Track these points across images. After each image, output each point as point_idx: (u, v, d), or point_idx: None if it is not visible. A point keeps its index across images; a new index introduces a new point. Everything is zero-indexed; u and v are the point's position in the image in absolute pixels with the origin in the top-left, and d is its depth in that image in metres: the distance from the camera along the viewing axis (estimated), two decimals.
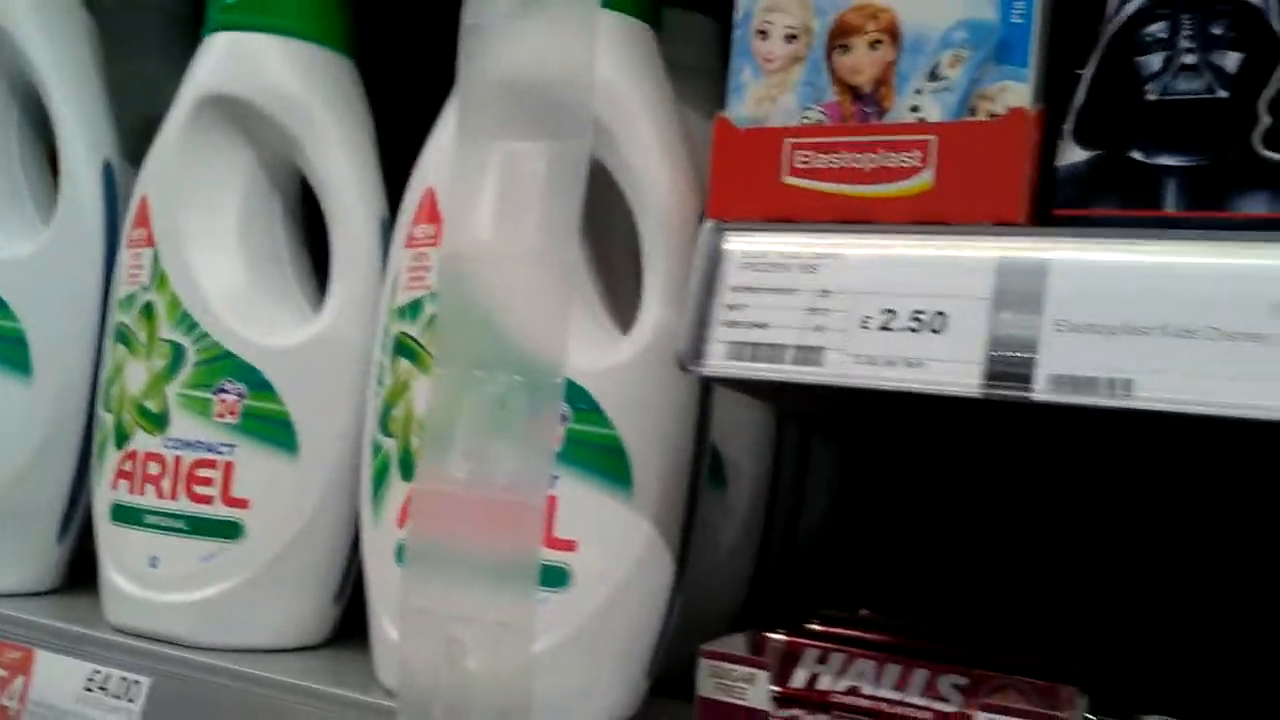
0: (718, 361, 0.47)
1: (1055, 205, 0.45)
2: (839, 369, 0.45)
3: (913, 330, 0.44)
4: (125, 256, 0.70)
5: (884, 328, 0.44)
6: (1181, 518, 0.72)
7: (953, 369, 0.43)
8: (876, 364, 0.44)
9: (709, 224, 0.49)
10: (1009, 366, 0.42)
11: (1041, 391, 0.41)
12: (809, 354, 0.45)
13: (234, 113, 0.68)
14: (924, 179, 0.46)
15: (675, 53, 0.61)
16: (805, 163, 0.48)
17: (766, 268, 0.47)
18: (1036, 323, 0.42)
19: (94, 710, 0.63)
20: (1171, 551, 0.73)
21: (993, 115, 0.45)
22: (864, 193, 0.47)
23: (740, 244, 0.48)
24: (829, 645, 0.54)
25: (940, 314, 0.44)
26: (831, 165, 0.48)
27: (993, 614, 0.68)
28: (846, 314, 0.45)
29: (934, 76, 0.46)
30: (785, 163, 0.49)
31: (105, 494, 0.69)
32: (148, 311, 0.68)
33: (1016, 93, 0.45)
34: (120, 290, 0.70)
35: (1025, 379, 0.42)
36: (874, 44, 0.47)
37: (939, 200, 0.46)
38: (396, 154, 0.68)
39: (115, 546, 0.68)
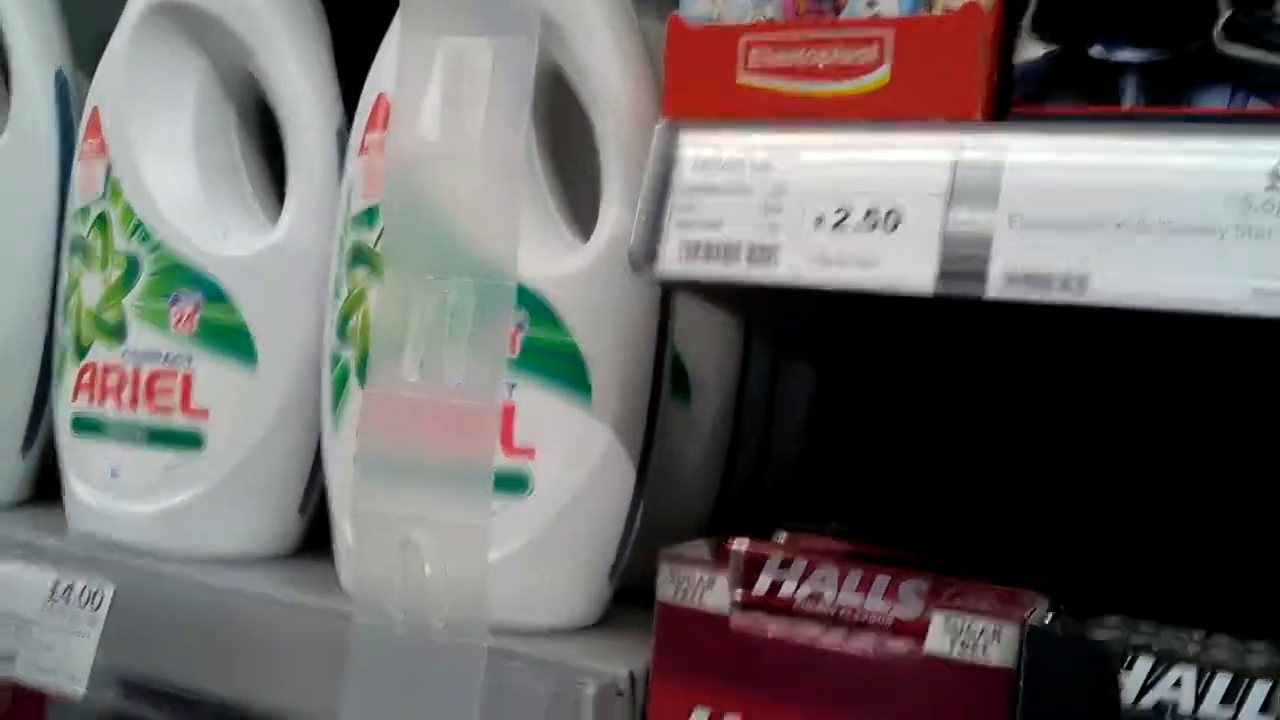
0: (671, 263, 0.46)
1: (1012, 102, 0.44)
2: (793, 269, 0.44)
3: (866, 229, 0.43)
4: (79, 168, 0.69)
5: (837, 226, 0.44)
6: (1145, 416, 0.72)
7: (906, 267, 0.42)
8: (830, 263, 0.43)
9: (661, 124, 0.48)
10: (963, 264, 0.42)
11: (996, 289, 0.41)
12: (763, 253, 0.45)
13: (185, 19, 0.67)
14: (879, 75, 0.45)
15: None
16: (759, 61, 0.47)
17: (720, 167, 0.46)
18: (991, 219, 0.42)
19: (58, 619, 0.63)
20: (1135, 451, 0.73)
21: (949, 10, 0.44)
22: (819, 90, 0.46)
23: (694, 143, 0.47)
24: (790, 553, 0.54)
25: (893, 212, 0.43)
26: (786, 63, 0.47)
27: (961, 523, 0.68)
28: (800, 213, 0.44)
29: None
30: (740, 61, 0.48)
31: (66, 406, 0.68)
32: (102, 223, 0.67)
33: None
34: (75, 202, 0.69)
35: (979, 276, 0.41)
36: None
37: (894, 97, 0.45)
38: (353, 63, 0.67)
39: (77, 458, 0.68)
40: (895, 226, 0.43)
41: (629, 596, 0.58)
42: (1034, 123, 0.43)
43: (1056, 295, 0.40)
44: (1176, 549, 0.68)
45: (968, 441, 0.78)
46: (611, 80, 0.55)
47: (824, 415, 0.81)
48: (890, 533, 0.62)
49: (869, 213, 0.43)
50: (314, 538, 0.68)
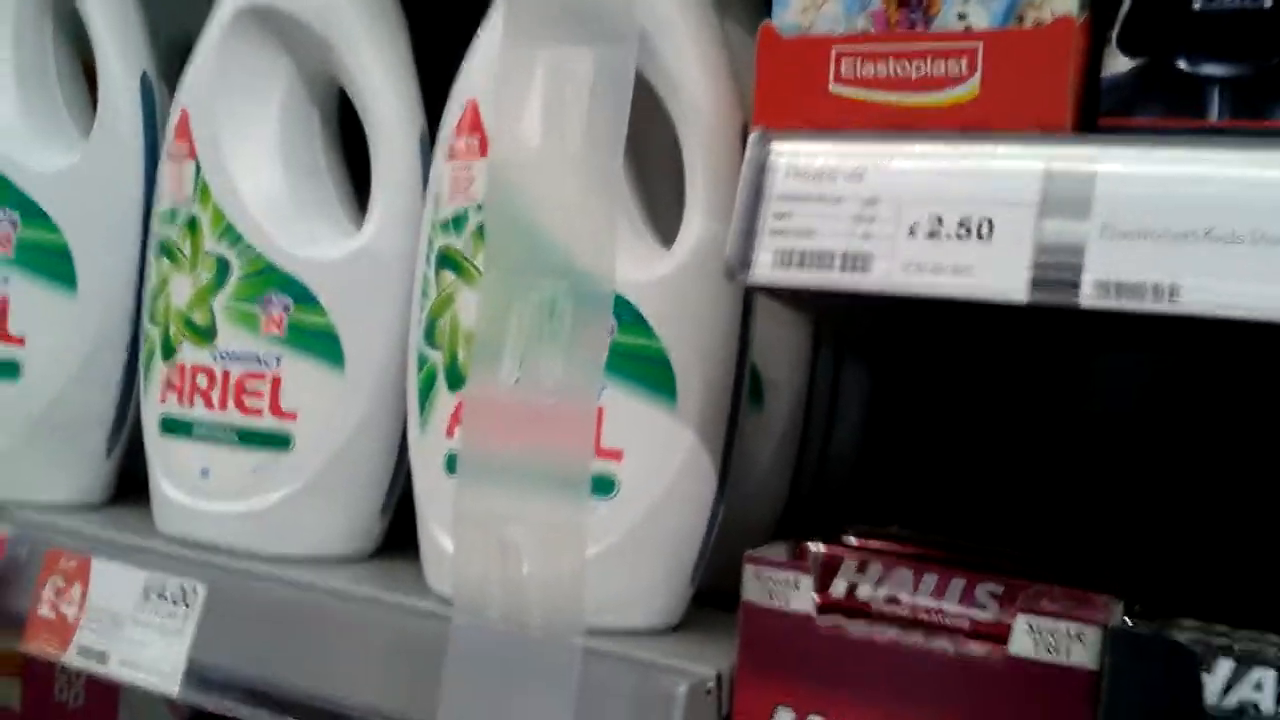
0: (765, 270, 0.47)
1: (1100, 113, 0.45)
2: (886, 276, 0.45)
3: (959, 237, 0.44)
4: (166, 169, 0.70)
5: (931, 235, 0.45)
6: (1223, 425, 0.73)
7: (999, 275, 0.43)
8: (924, 271, 0.44)
9: (755, 132, 0.49)
10: (1056, 273, 0.42)
11: (1089, 297, 0.42)
12: (857, 261, 0.46)
13: (272, 22, 0.68)
14: (970, 87, 0.46)
15: None
16: (851, 71, 0.48)
17: (813, 176, 0.47)
18: (1083, 229, 0.42)
19: (153, 616, 0.64)
20: (1194, 452, 0.73)
21: (1039, 23, 0.45)
22: (910, 101, 0.47)
23: (787, 152, 0.48)
24: (867, 555, 0.54)
25: (987, 221, 0.44)
26: (877, 73, 0.48)
27: (1028, 528, 0.69)
28: (893, 222, 0.45)
29: None
30: (831, 71, 0.49)
31: (154, 406, 0.70)
32: (191, 225, 0.68)
33: (1063, 0, 0.45)
34: (163, 203, 0.71)
35: (1072, 285, 0.42)
36: None
37: (985, 108, 0.46)
38: (431, 70, 0.68)
39: (166, 458, 0.69)
40: (988, 235, 0.44)
41: (700, 598, 0.59)
42: (1123, 134, 0.44)
43: (1148, 305, 0.41)
44: (1236, 550, 0.69)
45: (1023, 441, 0.79)
46: (698, 89, 0.56)
47: (881, 414, 0.82)
48: (954, 535, 0.63)
49: (962, 222, 0.44)
50: (391, 538, 0.69)
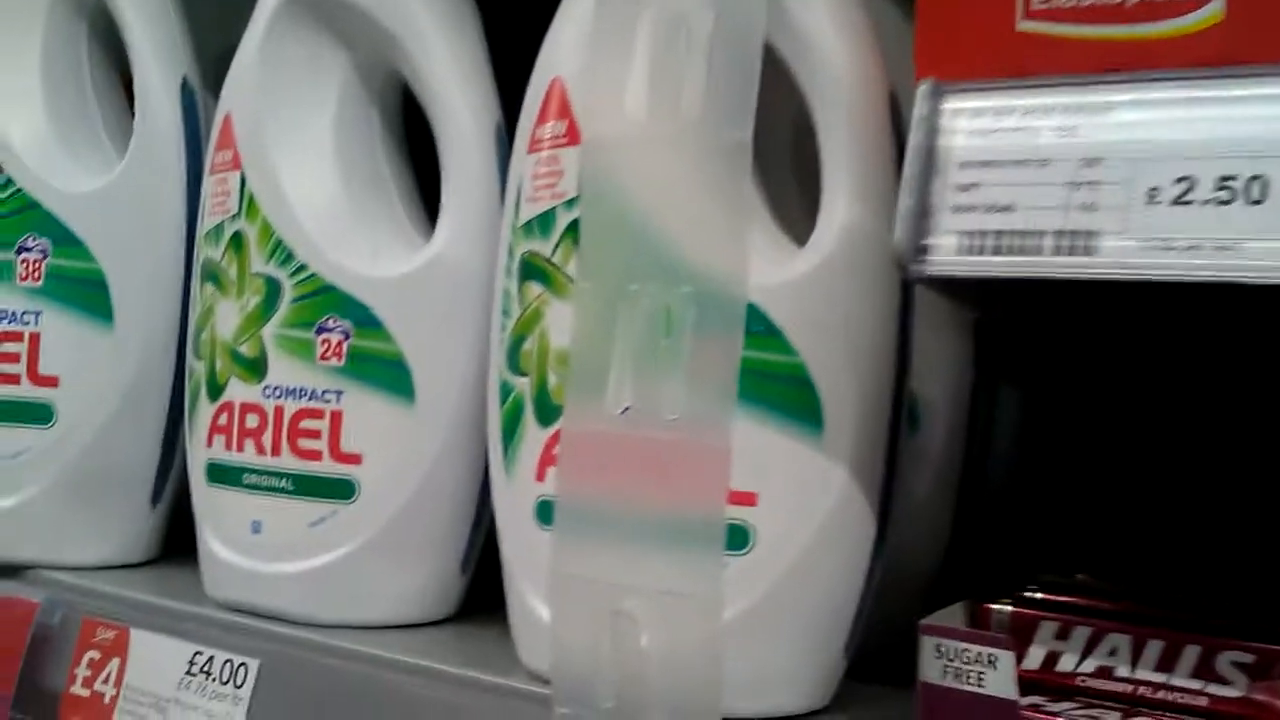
0: (948, 257, 0.37)
1: None
2: (1120, 258, 0.34)
3: (1221, 202, 0.33)
4: (209, 184, 0.62)
5: (1179, 201, 0.34)
6: None
7: None
8: (1174, 249, 0.33)
9: (925, 85, 0.38)
10: None
11: None
12: (1077, 240, 0.35)
13: (323, 11, 0.60)
14: (1212, 10, 0.35)
15: None
16: (1045, 2, 0.38)
17: (1007, 135, 0.37)
18: None
19: (197, 697, 0.55)
20: None
21: None
22: (1129, 34, 0.37)
23: (969, 108, 0.38)
24: (1069, 616, 0.44)
25: (1257, 179, 0.33)
26: (1080, 3, 0.37)
27: (1221, 572, 0.58)
28: (1125, 187, 0.34)
29: None
30: (1019, 4, 0.38)
31: (200, 452, 0.61)
32: (237, 243, 0.59)
33: None
34: (206, 222, 0.62)
35: None
36: None
37: (1233, 36, 0.35)
38: (509, 54, 0.59)
39: (214, 511, 0.61)
40: (1262, 197, 0.33)
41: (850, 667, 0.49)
42: None
43: None
44: None
45: (1204, 470, 0.67)
46: (836, 51, 0.46)
47: (1039, 437, 0.71)
48: (1155, 585, 0.52)
49: (1222, 181, 0.33)
50: (474, 599, 0.60)
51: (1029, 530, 0.69)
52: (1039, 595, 0.48)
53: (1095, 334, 0.64)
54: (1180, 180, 0.34)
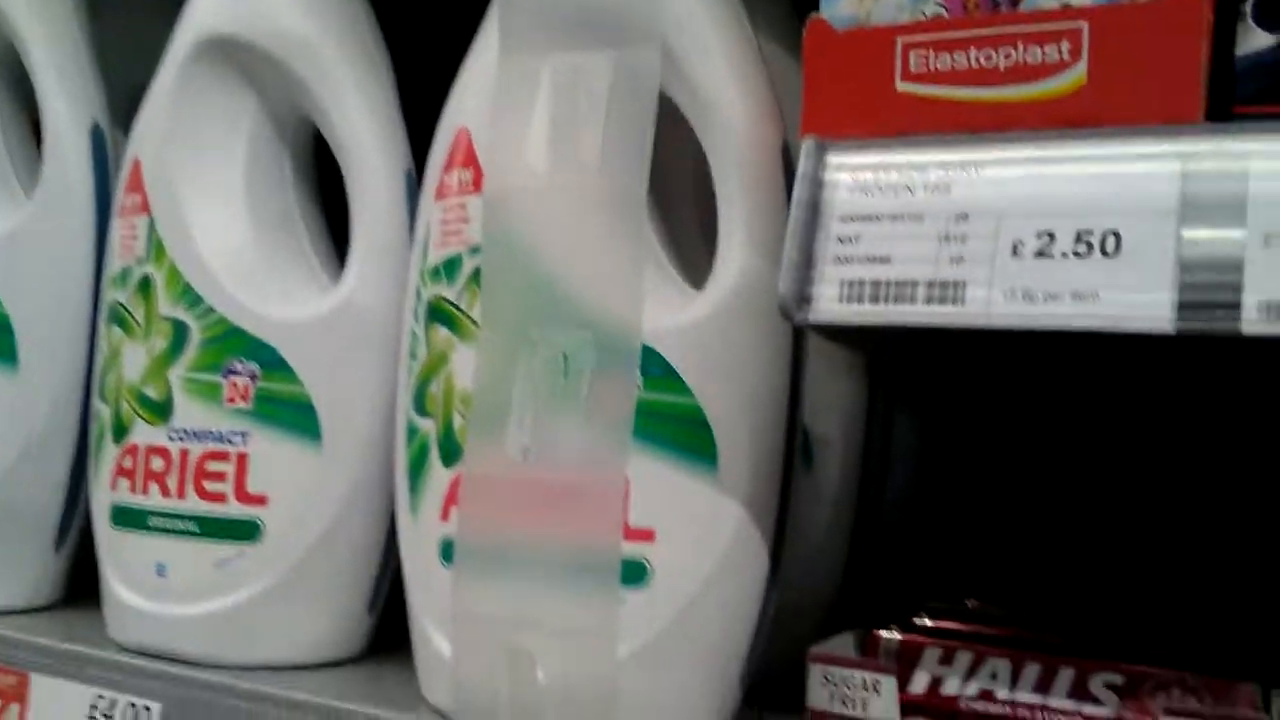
0: (829, 305, 0.39)
1: (1237, 101, 0.37)
2: (986, 307, 0.36)
3: (1078, 255, 0.36)
4: (117, 227, 0.63)
5: (1040, 254, 0.36)
6: None
7: (1134, 299, 0.34)
8: (1035, 299, 0.36)
9: (809, 142, 0.41)
10: (1207, 294, 0.34)
11: (1252, 322, 0.33)
12: (947, 290, 0.37)
13: (235, 57, 0.60)
14: (1075, 75, 0.38)
15: None
16: (922, 65, 0.40)
17: (885, 190, 0.39)
18: (1239, 239, 0.34)
19: None
20: None
21: None
22: (999, 96, 0.39)
23: (850, 164, 0.40)
24: (952, 642, 0.46)
25: (1112, 234, 0.35)
26: (955, 66, 0.40)
27: (1113, 598, 0.60)
28: (991, 240, 0.37)
29: None
30: (898, 66, 0.40)
31: (104, 495, 0.61)
32: (145, 287, 0.60)
33: None
34: (114, 265, 0.63)
35: (1230, 307, 0.33)
36: None
37: (1095, 99, 0.38)
38: (418, 102, 0.60)
39: (118, 554, 0.61)
40: (1115, 251, 0.35)
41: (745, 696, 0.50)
42: (1272, 123, 0.36)
43: None
44: None
45: (1096, 495, 0.70)
46: (732, 103, 0.47)
47: (935, 470, 0.73)
48: (1040, 610, 0.54)
49: (1080, 235, 0.36)
50: (382, 638, 0.61)
51: (926, 557, 0.71)
52: (927, 621, 0.50)
53: (986, 368, 0.66)
54: (1041, 234, 0.36)
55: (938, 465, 0.73)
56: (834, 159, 0.40)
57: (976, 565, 0.69)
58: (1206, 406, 0.65)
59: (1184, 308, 0.34)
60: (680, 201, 0.54)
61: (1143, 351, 0.57)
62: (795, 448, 0.49)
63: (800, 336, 0.49)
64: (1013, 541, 0.71)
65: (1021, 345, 0.53)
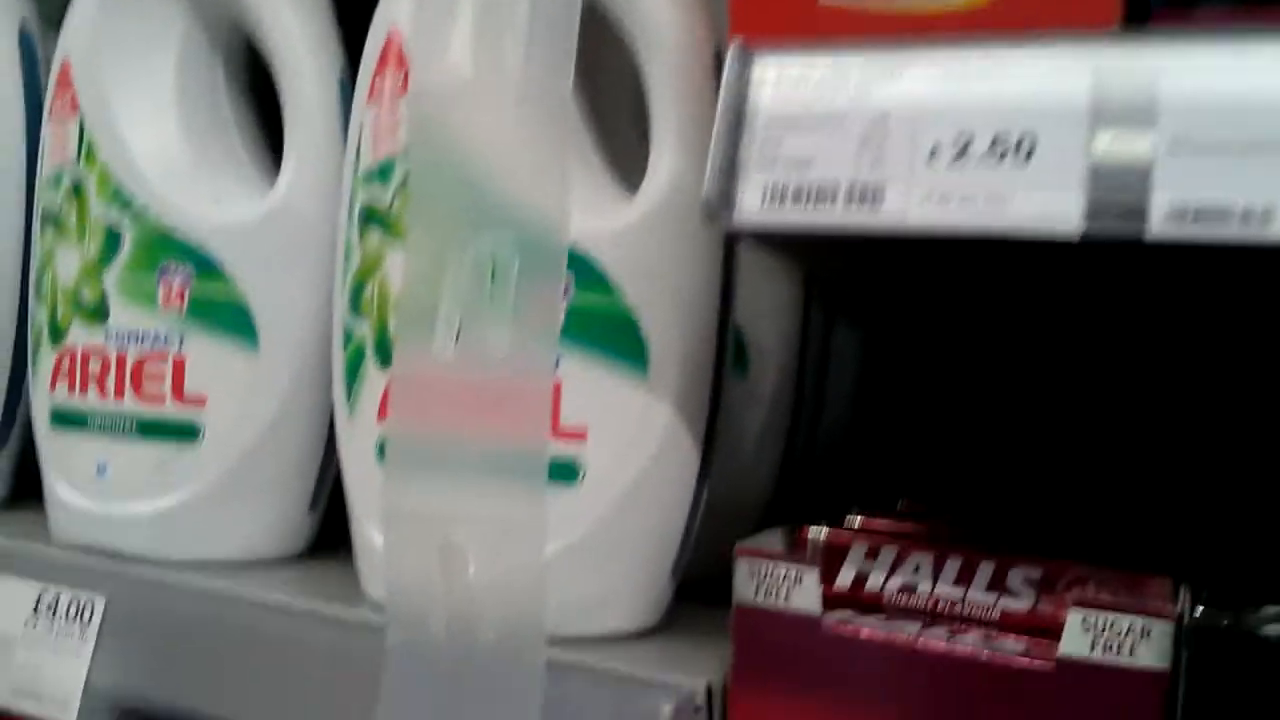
0: (752, 209, 0.39)
1: (1151, 10, 0.37)
2: (902, 211, 0.37)
3: (993, 160, 0.36)
4: (48, 129, 0.62)
5: (956, 158, 0.37)
6: (1232, 374, 0.66)
7: (1045, 204, 0.35)
8: (950, 201, 0.36)
9: (734, 46, 0.41)
10: (1116, 197, 0.35)
11: (1159, 226, 0.34)
12: (865, 193, 0.38)
13: None
14: None
15: None
16: None
17: (807, 95, 0.39)
18: (1149, 144, 0.35)
19: (43, 637, 0.56)
20: (1217, 415, 0.67)
21: None
22: (915, 6, 0.39)
23: (774, 69, 0.40)
24: (878, 538, 0.47)
25: (1026, 138, 0.36)
26: None
27: (1046, 504, 0.62)
28: (909, 144, 0.37)
29: None
30: None
31: (44, 397, 0.61)
32: (76, 190, 0.59)
33: None
34: (46, 167, 0.62)
35: (1138, 212, 0.34)
36: None
37: (1010, 7, 0.38)
38: (355, 7, 0.60)
39: (59, 455, 0.61)
40: (1029, 156, 0.36)
41: (681, 591, 0.52)
42: (1186, 33, 0.36)
43: (1235, 232, 0.34)
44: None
45: (1030, 405, 0.72)
46: (660, 7, 0.48)
47: (875, 378, 0.74)
48: (969, 511, 0.56)
49: (995, 140, 0.36)
50: (326, 536, 0.62)
51: (864, 462, 0.72)
52: (856, 520, 0.51)
53: (927, 280, 0.67)
54: (958, 138, 0.37)
55: (878, 374, 0.74)
56: (759, 64, 0.41)
57: (916, 470, 0.71)
58: (1134, 314, 0.67)
59: (1093, 213, 0.35)
60: (620, 112, 0.54)
61: (1074, 258, 0.58)
62: (727, 352, 0.50)
63: (732, 242, 0.50)
64: (951, 447, 0.73)
65: (957, 255, 0.54)
